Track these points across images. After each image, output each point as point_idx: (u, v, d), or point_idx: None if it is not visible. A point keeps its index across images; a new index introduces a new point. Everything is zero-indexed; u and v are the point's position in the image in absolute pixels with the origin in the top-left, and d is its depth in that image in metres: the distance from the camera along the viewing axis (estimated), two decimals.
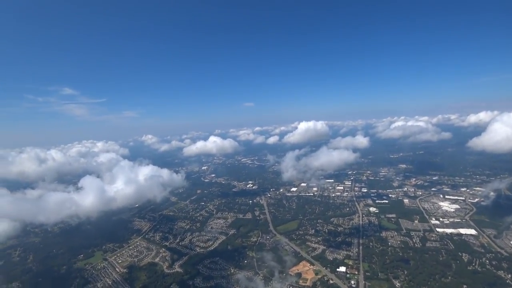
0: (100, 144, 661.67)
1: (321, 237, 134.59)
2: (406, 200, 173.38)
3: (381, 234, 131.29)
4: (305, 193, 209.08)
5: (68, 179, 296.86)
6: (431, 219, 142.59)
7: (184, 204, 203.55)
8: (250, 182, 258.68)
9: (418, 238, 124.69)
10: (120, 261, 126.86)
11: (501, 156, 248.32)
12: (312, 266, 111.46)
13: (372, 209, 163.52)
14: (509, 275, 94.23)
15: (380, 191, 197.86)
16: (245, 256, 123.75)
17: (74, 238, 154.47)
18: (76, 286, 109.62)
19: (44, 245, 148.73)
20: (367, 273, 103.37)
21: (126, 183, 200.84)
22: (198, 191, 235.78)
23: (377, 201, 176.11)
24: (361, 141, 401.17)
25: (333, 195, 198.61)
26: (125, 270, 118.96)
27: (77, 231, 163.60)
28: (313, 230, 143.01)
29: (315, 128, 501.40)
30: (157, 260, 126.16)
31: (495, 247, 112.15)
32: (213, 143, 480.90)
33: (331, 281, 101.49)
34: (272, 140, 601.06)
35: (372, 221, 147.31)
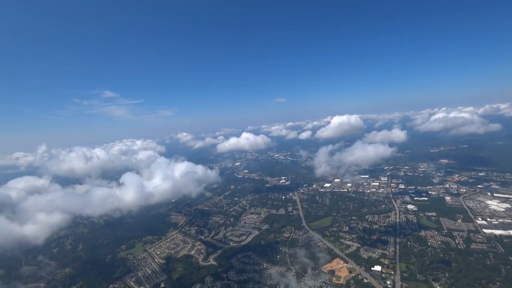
0: (139, 142, 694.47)
1: (355, 235, 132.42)
2: (448, 198, 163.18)
3: (419, 233, 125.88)
4: (339, 189, 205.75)
5: (111, 175, 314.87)
6: (477, 219, 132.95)
7: (218, 199, 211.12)
8: (283, 177, 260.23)
9: (461, 239, 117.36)
10: (158, 253, 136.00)
11: None
12: (345, 264, 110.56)
13: (410, 206, 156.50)
14: None
15: (419, 187, 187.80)
16: (278, 251, 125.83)
17: (117, 230, 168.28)
18: (119, 274, 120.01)
19: (92, 236, 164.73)
20: (404, 274, 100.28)
21: (163, 179, 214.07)
22: (232, 187, 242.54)
23: (415, 198, 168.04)
24: (398, 134, 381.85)
25: (368, 191, 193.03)
26: (163, 261, 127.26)
27: (119, 223, 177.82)
28: (347, 227, 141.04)
29: (349, 122, 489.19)
30: (192, 252, 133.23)
31: None
32: (245, 139, 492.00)
33: (365, 280, 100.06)
34: (304, 135, 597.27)
35: (410, 219, 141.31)
